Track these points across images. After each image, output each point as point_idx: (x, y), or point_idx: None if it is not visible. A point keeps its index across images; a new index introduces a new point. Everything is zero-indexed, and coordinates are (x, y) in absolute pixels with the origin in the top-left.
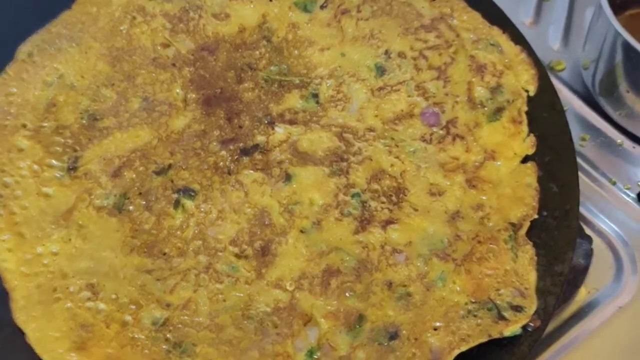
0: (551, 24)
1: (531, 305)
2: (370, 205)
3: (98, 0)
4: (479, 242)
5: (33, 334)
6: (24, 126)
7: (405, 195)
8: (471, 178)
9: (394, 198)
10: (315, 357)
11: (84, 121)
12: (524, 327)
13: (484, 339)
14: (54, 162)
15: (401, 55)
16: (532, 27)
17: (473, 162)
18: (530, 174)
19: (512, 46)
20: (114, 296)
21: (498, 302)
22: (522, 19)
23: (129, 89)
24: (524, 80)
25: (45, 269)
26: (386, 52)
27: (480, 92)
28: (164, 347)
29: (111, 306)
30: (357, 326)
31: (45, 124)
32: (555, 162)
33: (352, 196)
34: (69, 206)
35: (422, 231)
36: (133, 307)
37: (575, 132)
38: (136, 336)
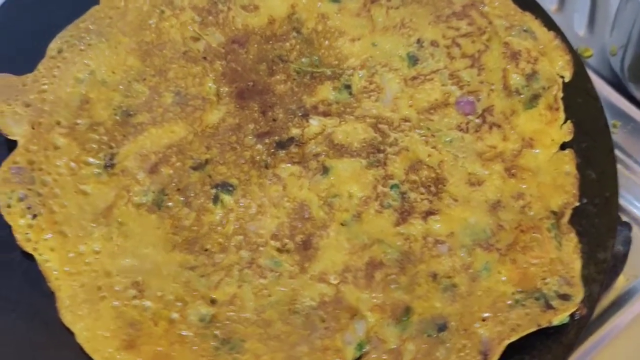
0: (576, 10)
1: (578, 293)
2: (409, 197)
3: None
4: (522, 231)
5: (81, 333)
6: (59, 123)
7: (444, 186)
8: (510, 167)
9: (432, 189)
10: (365, 350)
11: (118, 117)
12: (571, 315)
13: (533, 329)
14: (90, 159)
15: (434, 43)
16: (556, 13)
17: (511, 150)
18: (568, 162)
19: (546, 32)
20: (159, 293)
21: (545, 291)
22: (546, 5)
23: (161, 84)
24: (559, 66)
25: (89, 268)
26: (418, 41)
27: (515, 79)
28: (212, 343)
29: (157, 304)
30: (404, 318)
31: (80, 121)
32: (591, 148)
33: (391, 187)
34: (108, 203)
35: (463, 221)
36: (179, 304)
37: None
38: (184, 333)
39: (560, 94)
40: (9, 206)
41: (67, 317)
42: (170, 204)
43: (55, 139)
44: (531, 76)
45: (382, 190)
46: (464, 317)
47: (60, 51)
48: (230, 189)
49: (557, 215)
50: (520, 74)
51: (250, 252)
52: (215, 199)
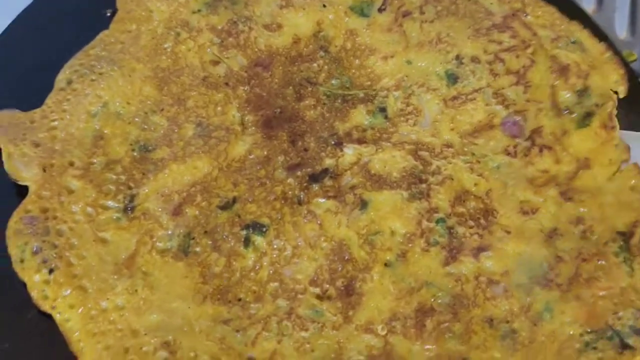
0: (615, 10)
1: None
2: (457, 232)
3: (137, 16)
4: (584, 260)
5: None
6: (72, 164)
7: (495, 217)
8: (566, 190)
9: (482, 221)
10: None
11: (136, 153)
12: None
13: None
14: (109, 202)
15: (474, 59)
16: (595, 15)
17: (565, 173)
18: (634, 176)
19: (596, 44)
20: (192, 354)
21: (618, 327)
22: (584, 6)
23: (181, 114)
24: (613, 80)
25: (113, 327)
26: (457, 57)
27: (565, 96)
28: None
29: None
30: None
31: (95, 160)
32: None
33: (437, 222)
34: (130, 252)
35: (517, 256)
36: None
37: None
38: None
39: (615, 111)
40: (22, 261)
41: None
42: (197, 249)
43: (69, 182)
44: (582, 92)
45: (427, 226)
46: None
47: (69, 82)
48: (262, 229)
49: (625, 236)
50: (570, 90)
51: (288, 300)
52: (247, 242)
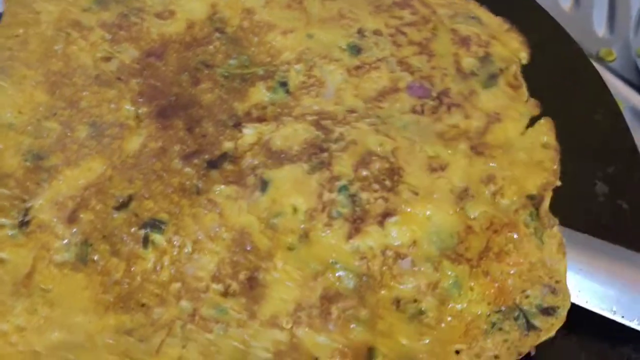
0: (593, 7)
1: (564, 302)
2: (361, 198)
3: (24, 19)
4: (495, 231)
5: None
6: None
7: (401, 177)
8: (476, 145)
9: (387, 182)
10: None
11: (28, 163)
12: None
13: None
14: (2, 220)
15: (377, 32)
16: (572, 12)
17: (476, 127)
18: (546, 132)
19: (493, 17)
20: None
21: (525, 307)
22: (561, 4)
23: (74, 116)
24: (514, 48)
25: (14, 350)
26: (359, 31)
27: (468, 62)
28: None
29: None
30: None
31: None
32: (620, 174)
33: (339, 191)
34: (28, 269)
35: (426, 222)
36: None
37: (636, 129)
38: None
39: (519, 72)
40: None
41: None
42: (96, 256)
43: None
44: (485, 58)
45: (329, 197)
46: (435, 354)
47: None
48: (161, 226)
49: (535, 200)
50: (472, 57)
51: (191, 301)
52: (145, 242)
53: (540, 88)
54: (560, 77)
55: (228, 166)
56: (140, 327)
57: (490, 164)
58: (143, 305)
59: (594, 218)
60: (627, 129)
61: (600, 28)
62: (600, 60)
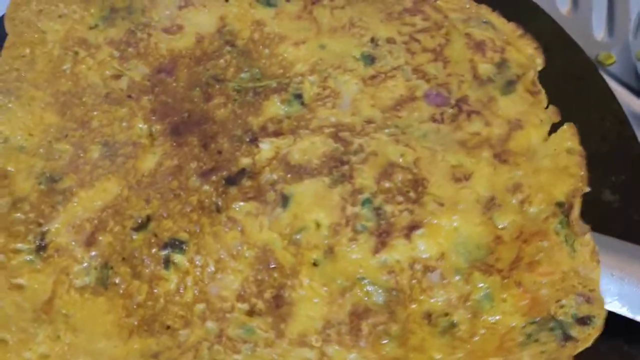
0: (592, 10)
1: (600, 311)
2: (385, 211)
3: (30, 39)
4: (525, 241)
5: None
6: None
7: (425, 187)
8: (500, 152)
9: (411, 194)
10: None
11: (42, 186)
12: None
13: None
14: (19, 245)
15: (390, 41)
16: (571, 16)
17: (497, 135)
18: (569, 137)
19: (506, 23)
20: None
21: (561, 317)
22: (558, 7)
23: (85, 137)
24: (529, 54)
25: None
26: (372, 40)
27: (485, 68)
28: None
29: None
30: None
31: (0, 202)
32: (631, 183)
33: (363, 204)
34: (48, 294)
35: (453, 233)
36: None
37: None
38: None
39: (537, 79)
40: None
41: None
42: (117, 279)
43: None
44: (501, 64)
45: (353, 211)
46: None
47: None
48: (182, 246)
49: (564, 207)
50: (489, 63)
51: (217, 322)
52: (167, 263)
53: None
54: (564, 83)
55: (247, 182)
56: (166, 350)
57: (516, 172)
58: (168, 327)
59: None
60: (634, 137)
61: (599, 32)
62: (600, 64)
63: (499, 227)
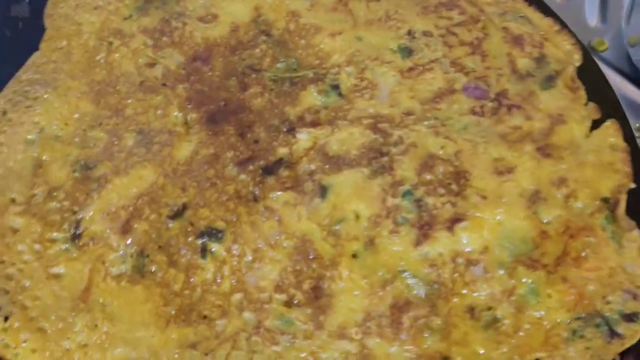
0: None
1: None
2: (427, 203)
3: (67, 32)
4: (571, 236)
5: None
6: (13, 201)
7: (468, 180)
8: (543, 146)
9: (453, 186)
10: None
11: (77, 174)
12: None
13: None
14: (55, 234)
15: (427, 34)
16: (564, 2)
17: (539, 129)
18: (612, 133)
19: (543, 18)
20: None
21: (607, 313)
22: None
23: (120, 125)
24: (567, 50)
25: None
26: (409, 33)
27: (524, 62)
28: None
29: None
30: None
31: (36, 191)
32: None
33: (403, 196)
34: (85, 283)
35: (497, 227)
36: None
37: (630, 121)
38: None
39: (576, 75)
40: None
41: None
42: (153, 267)
43: (12, 221)
44: (540, 59)
45: (393, 203)
46: None
47: (4, 113)
48: (219, 235)
49: (610, 203)
50: (527, 57)
51: (254, 312)
52: (204, 251)
53: None
54: None
55: (284, 172)
56: (204, 340)
57: (560, 166)
58: (205, 317)
59: None
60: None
61: (592, 18)
62: (592, 50)
63: (544, 221)
